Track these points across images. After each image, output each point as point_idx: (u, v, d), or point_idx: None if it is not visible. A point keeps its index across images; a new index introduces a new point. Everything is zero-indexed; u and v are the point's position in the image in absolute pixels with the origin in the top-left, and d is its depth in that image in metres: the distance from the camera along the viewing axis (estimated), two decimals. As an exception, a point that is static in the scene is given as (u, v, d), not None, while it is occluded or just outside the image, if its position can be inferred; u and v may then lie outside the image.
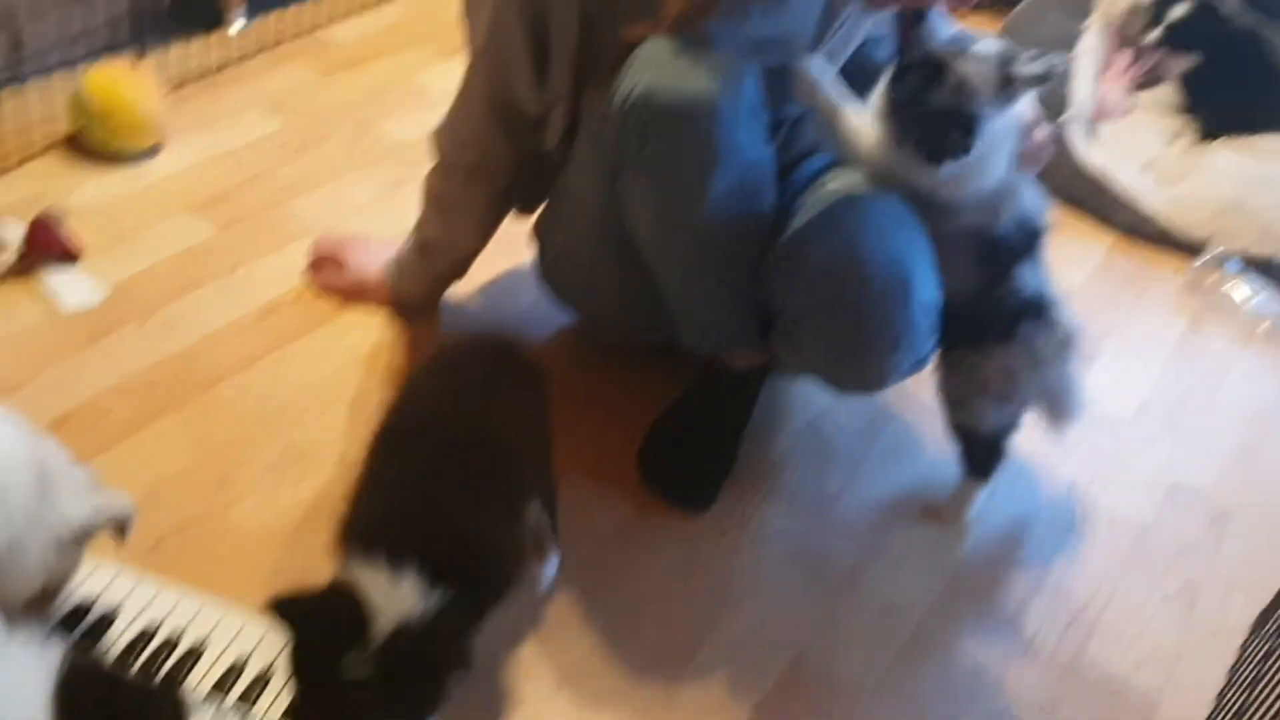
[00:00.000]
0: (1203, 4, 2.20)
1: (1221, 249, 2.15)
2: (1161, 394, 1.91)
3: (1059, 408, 1.53)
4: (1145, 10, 2.30)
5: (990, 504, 1.63)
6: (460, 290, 1.82)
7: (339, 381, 1.67)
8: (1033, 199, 1.43)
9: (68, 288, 1.73)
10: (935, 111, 1.31)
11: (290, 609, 1.07)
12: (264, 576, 1.37)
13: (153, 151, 2.04)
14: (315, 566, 1.13)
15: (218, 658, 1.23)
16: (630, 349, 1.76)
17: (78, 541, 1.14)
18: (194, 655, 1.23)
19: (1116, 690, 1.44)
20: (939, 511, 1.62)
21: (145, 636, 1.24)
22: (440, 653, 1.08)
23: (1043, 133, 1.45)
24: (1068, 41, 2.45)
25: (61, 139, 2.01)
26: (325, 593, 1.10)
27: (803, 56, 1.43)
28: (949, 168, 1.32)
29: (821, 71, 1.42)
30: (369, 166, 2.10)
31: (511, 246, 1.76)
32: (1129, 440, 1.81)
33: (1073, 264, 2.16)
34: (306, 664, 1.07)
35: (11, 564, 1.07)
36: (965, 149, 1.31)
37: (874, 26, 1.57)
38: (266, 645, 1.24)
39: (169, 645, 1.23)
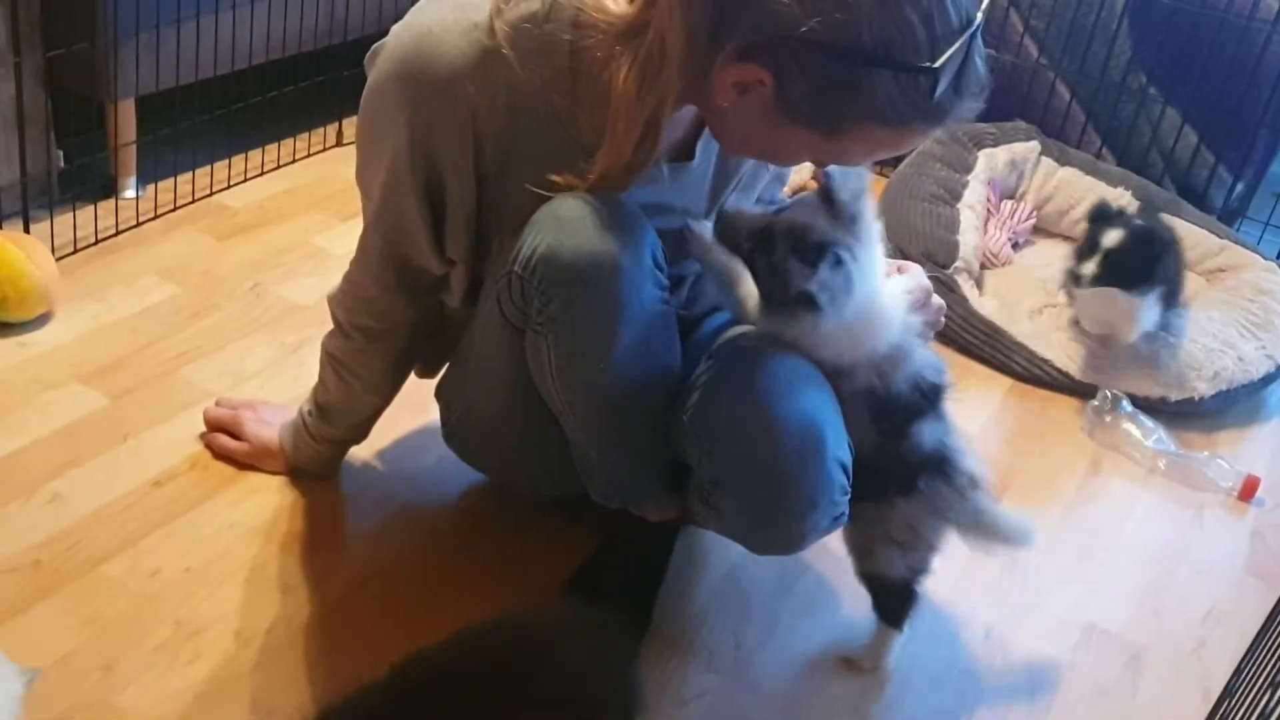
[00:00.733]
0: (1137, 230, 2.26)
1: (1114, 391, 2.20)
2: (1068, 535, 1.93)
3: (994, 537, 1.52)
4: (1080, 239, 2.35)
5: (908, 652, 1.62)
6: (363, 451, 1.78)
7: (234, 553, 1.60)
8: (926, 358, 1.45)
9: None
10: (780, 264, 1.33)
11: None
12: (154, 766, 1.29)
13: (41, 321, 1.98)
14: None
15: None
16: (543, 504, 1.72)
17: None
18: None
19: (1048, 843, 1.41)
20: (856, 662, 1.59)
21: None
22: None
23: (937, 300, 1.49)
24: (953, 194, 2.54)
25: (-55, 310, 1.95)
26: None
27: (695, 220, 1.46)
28: (823, 316, 1.33)
29: (710, 234, 1.45)
30: (266, 330, 2.06)
31: (415, 404, 1.74)
32: (1040, 583, 1.81)
33: (971, 410, 2.20)
34: None
35: None
36: (814, 297, 1.32)
37: (771, 181, 1.62)
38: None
39: None
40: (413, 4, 1.34)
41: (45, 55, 2.12)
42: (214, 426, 1.78)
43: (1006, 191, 2.75)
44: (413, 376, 1.68)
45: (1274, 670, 1.26)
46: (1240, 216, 2.84)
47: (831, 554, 1.69)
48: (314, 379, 1.65)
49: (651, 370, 1.40)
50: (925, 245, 2.42)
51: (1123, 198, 2.68)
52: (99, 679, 1.40)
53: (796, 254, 1.32)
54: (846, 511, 1.42)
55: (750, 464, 1.36)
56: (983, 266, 2.55)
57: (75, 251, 2.19)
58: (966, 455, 1.48)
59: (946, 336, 2.32)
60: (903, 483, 1.46)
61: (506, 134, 1.33)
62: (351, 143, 2.67)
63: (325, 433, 1.67)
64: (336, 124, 2.75)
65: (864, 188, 1.37)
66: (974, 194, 2.57)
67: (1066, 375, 2.28)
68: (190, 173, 2.44)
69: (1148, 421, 2.17)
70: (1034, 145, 2.78)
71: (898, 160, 2.76)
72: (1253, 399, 2.34)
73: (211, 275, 2.20)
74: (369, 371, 1.59)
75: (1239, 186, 2.82)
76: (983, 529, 1.50)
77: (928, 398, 1.44)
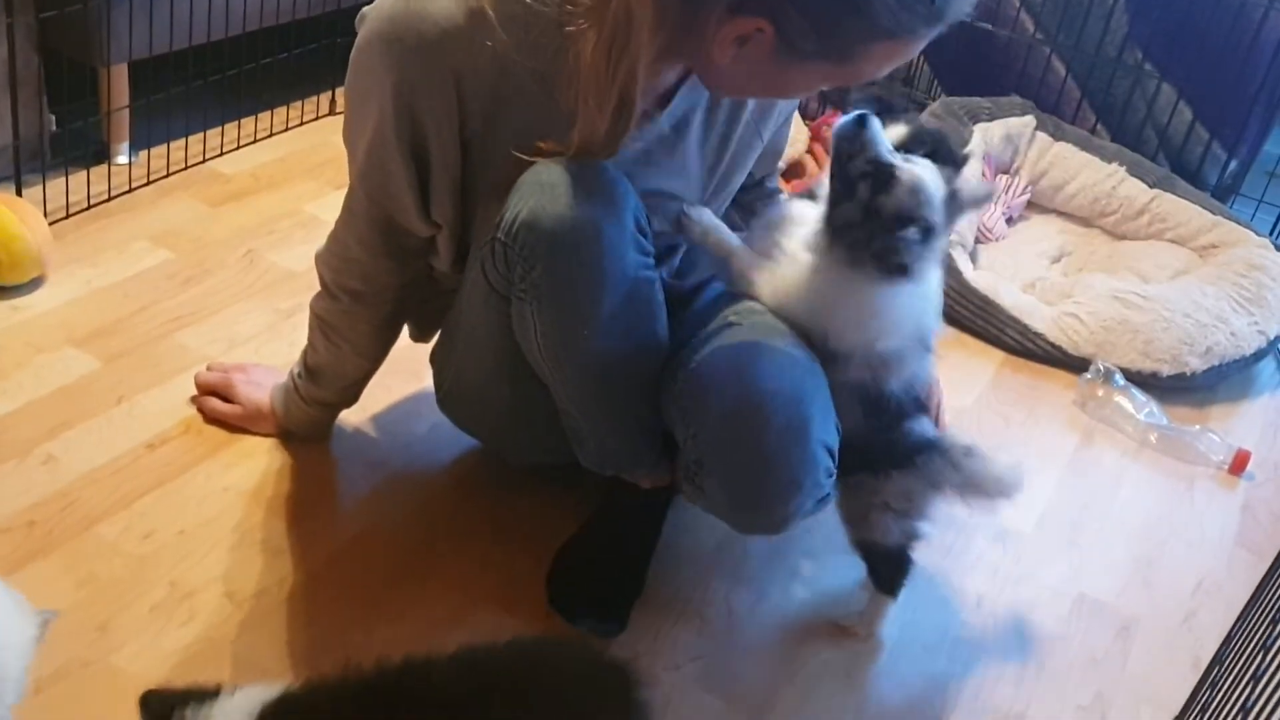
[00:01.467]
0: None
1: (1107, 364, 2.21)
2: (1060, 507, 1.94)
3: (991, 493, 1.52)
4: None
5: (901, 620, 1.62)
6: (357, 416, 1.78)
7: (228, 516, 1.60)
8: (925, 371, 1.46)
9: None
10: (889, 218, 1.32)
11: None
12: (149, 724, 1.29)
13: (34, 285, 1.97)
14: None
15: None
16: (535, 472, 1.72)
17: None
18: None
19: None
20: (850, 628, 1.60)
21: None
22: None
23: (939, 392, 1.54)
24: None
25: (-62, 273, 1.94)
26: None
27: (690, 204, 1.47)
28: (900, 281, 1.33)
29: (709, 218, 1.47)
30: (258, 297, 2.06)
31: (408, 370, 1.74)
32: (1032, 553, 1.82)
33: (964, 383, 2.20)
34: None
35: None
36: (913, 260, 1.32)
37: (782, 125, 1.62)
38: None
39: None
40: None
41: (38, 17, 2.10)
42: (205, 390, 1.77)
43: (1001, 166, 2.75)
44: (406, 341, 1.67)
45: (1266, 634, 1.27)
46: (1234, 194, 2.84)
47: (824, 522, 1.68)
48: (305, 345, 1.64)
49: (637, 336, 1.40)
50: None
51: (1115, 174, 2.68)
52: (94, 639, 1.40)
53: (901, 214, 1.32)
54: (832, 493, 1.42)
55: (734, 447, 1.36)
56: (977, 241, 2.55)
57: (68, 216, 2.17)
58: (957, 439, 1.50)
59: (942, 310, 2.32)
60: (900, 460, 1.47)
61: (492, 98, 1.32)
62: (344, 111, 2.66)
63: (315, 395, 1.67)
64: (330, 91, 2.74)
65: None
66: (969, 168, 2.56)
67: (1059, 349, 2.28)
68: (183, 139, 2.43)
69: (1140, 395, 2.18)
70: (1029, 120, 2.77)
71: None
72: (1244, 374, 2.35)
73: (204, 241, 2.19)
74: (356, 334, 1.58)
75: (1233, 164, 2.81)
76: (977, 488, 1.51)
77: (921, 406, 1.46)
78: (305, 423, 1.72)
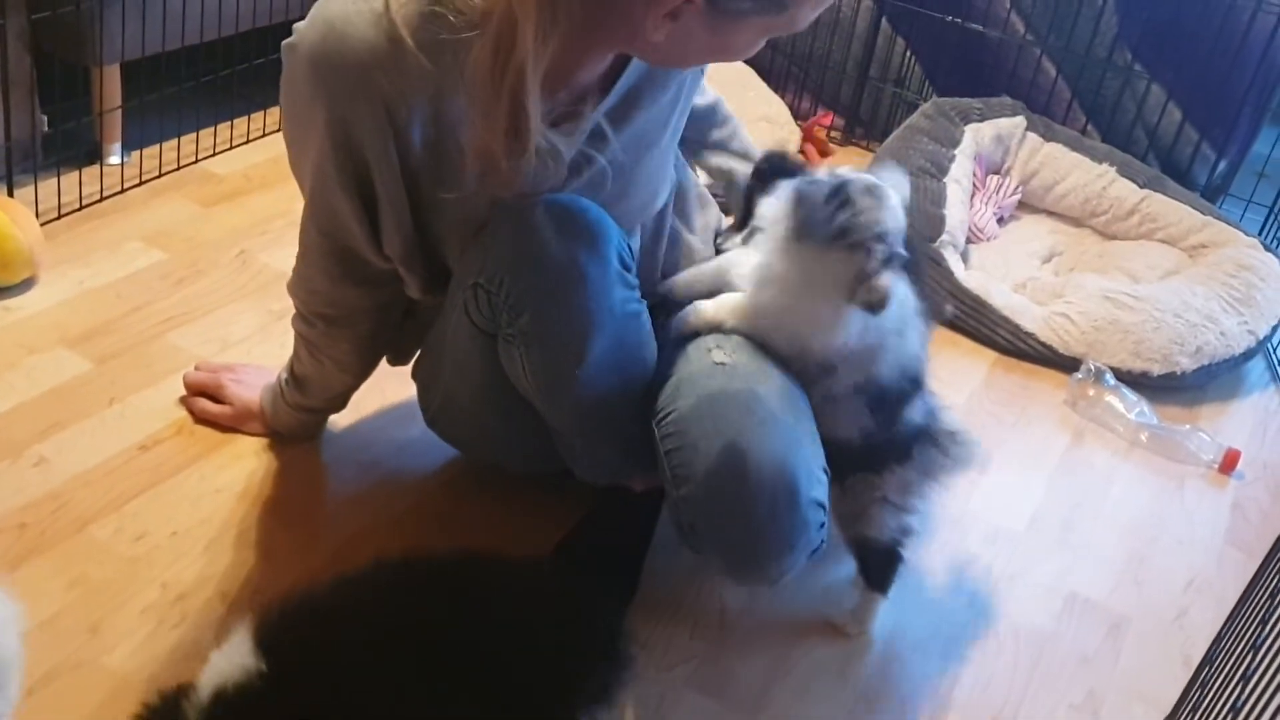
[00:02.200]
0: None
1: (1097, 364, 2.21)
2: (1051, 506, 1.94)
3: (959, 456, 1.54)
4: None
5: (893, 620, 1.63)
6: (349, 418, 1.78)
7: (219, 517, 1.60)
8: (908, 349, 1.45)
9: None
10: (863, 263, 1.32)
11: None
12: (142, 726, 1.29)
13: (26, 285, 1.97)
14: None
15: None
16: (529, 475, 1.73)
17: None
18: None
19: (1030, 806, 1.43)
20: (841, 626, 1.61)
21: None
22: None
23: None
24: (939, 168, 2.54)
25: (-72, 274, 1.94)
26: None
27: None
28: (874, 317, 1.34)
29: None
30: (252, 297, 2.06)
31: (400, 374, 1.73)
32: (1024, 552, 1.82)
33: (956, 383, 2.21)
34: None
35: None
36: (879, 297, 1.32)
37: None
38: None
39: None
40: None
41: (30, 18, 2.10)
42: (195, 390, 1.77)
43: (992, 166, 2.76)
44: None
45: (1255, 634, 1.28)
46: (1223, 194, 2.85)
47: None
48: (292, 353, 1.64)
49: (627, 368, 1.40)
50: (911, 219, 2.42)
51: (1105, 175, 2.69)
52: (86, 640, 1.40)
53: (881, 257, 1.32)
54: (825, 540, 1.42)
55: (725, 519, 1.36)
56: (968, 241, 2.56)
57: (59, 217, 2.17)
58: (944, 412, 1.52)
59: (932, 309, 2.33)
60: (900, 454, 1.49)
61: (434, 124, 1.28)
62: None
63: (301, 402, 1.67)
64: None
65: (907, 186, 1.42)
66: (960, 169, 2.58)
67: (1050, 348, 2.29)
68: (175, 139, 2.43)
69: (1130, 395, 2.18)
70: (1020, 121, 2.78)
71: (884, 134, 2.76)
72: (1234, 373, 2.36)
73: (197, 241, 2.19)
74: (338, 352, 1.58)
75: (1222, 164, 2.83)
76: (959, 470, 1.53)
77: (915, 382, 1.47)
78: (293, 426, 1.72)
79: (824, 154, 3.02)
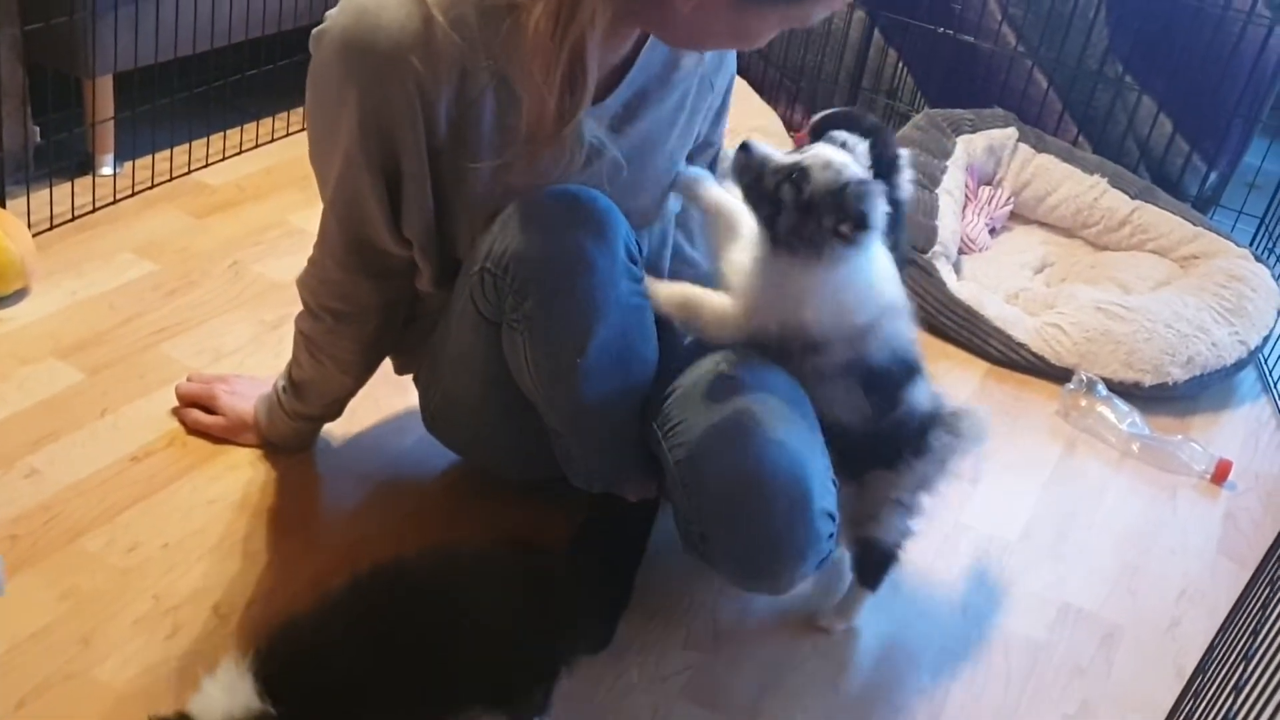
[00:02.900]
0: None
1: (1089, 375, 2.22)
2: (1044, 517, 1.95)
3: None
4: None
5: (887, 630, 1.63)
6: (344, 429, 1.78)
7: (213, 529, 1.60)
8: (899, 330, 1.46)
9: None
10: (825, 198, 1.33)
11: None
12: (134, 738, 1.28)
13: (18, 296, 1.97)
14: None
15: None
16: (523, 485, 1.72)
17: None
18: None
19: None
20: (825, 625, 1.62)
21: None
22: None
23: None
24: (931, 179, 2.55)
25: (-79, 285, 1.94)
26: None
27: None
28: (854, 248, 1.35)
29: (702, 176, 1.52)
30: (245, 308, 2.05)
31: (396, 383, 1.73)
32: (1017, 563, 1.83)
33: (949, 393, 2.19)
34: None
35: None
36: (870, 209, 1.33)
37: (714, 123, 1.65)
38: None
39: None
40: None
41: (22, 29, 2.10)
42: (187, 401, 1.77)
43: (984, 177, 2.76)
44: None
45: (1247, 644, 1.28)
46: (1214, 205, 2.85)
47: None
48: (290, 359, 1.64)
49: (628, 364, 1.40)
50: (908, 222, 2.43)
51: (1097, 186, 2.70)
52: (77, 652, 1.39)
53: (835, 185, 1.33)
54: (834, 552, 1.43)
55: (739, 529, 1.38)
56: (960, 252, 2.56)
57: (52, 228, 2.17)
58: (947, 399, 1.53)
59: (925, 321, 2.33)
60: (917, 444, 1.49)
61: (457, 103, 1.32)
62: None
63: (299, 409, 1.67)
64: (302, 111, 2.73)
65: (865, 151, 1.41)
66: (952, 179, 2.58)
67: (1042, 359, 2.30)
68: (168, 150, 2.42)
69: (1122, 405, 2.19)
70: (1011, 132, 2.79)
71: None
72: (1225, 384, 2.37)
73: (190, 252, 2.19)
74: (340, 351, 1.58)
75: (1213, 175, 2.83)
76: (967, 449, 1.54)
77: (910, 366, 1.47)
78: (288, 435, 1.71)
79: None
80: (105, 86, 2.29)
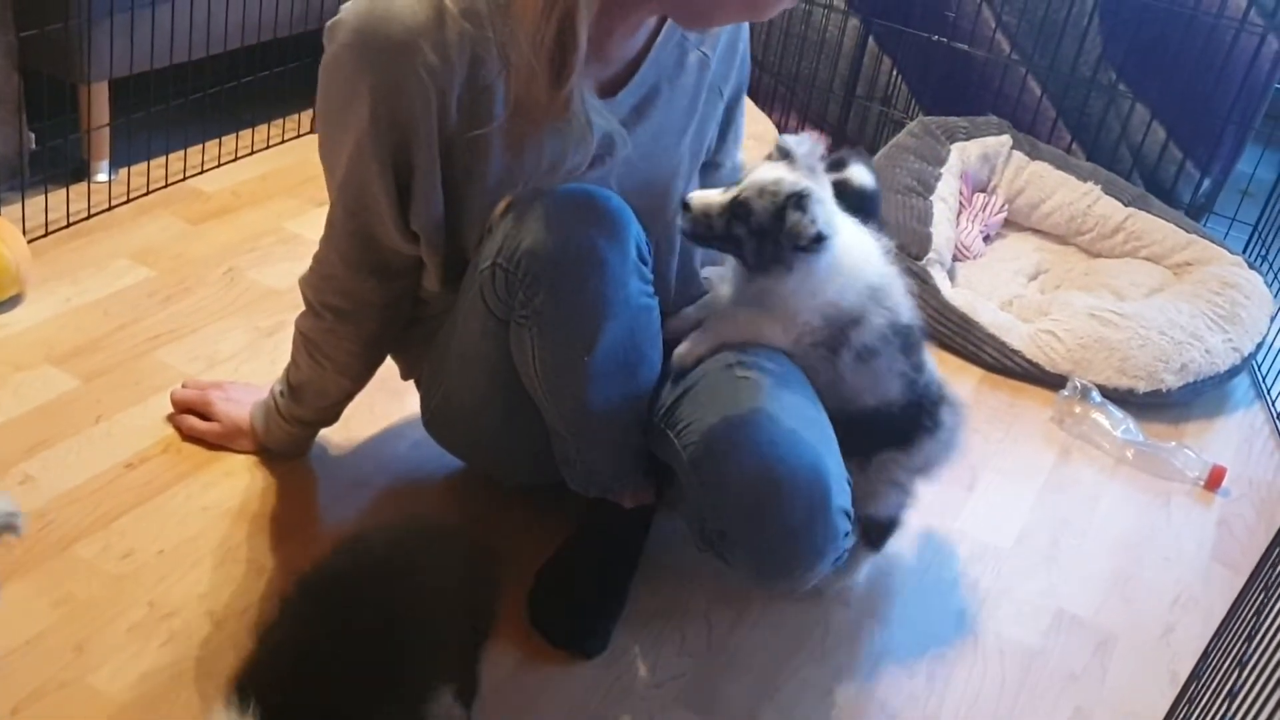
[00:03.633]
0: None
1: (1083, 381, 2.22)
2: (1038, 524, 1.95)
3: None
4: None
5: (881, 637, 1.63)
6: (340, 435, 1.78)
7: (207, 536, 1.60)
8: (906, 294, 1.51)
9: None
10: (769, 222, 1.38)
11: None
12: (128, 745, 1.28)
13: (12, 302, 1.97)
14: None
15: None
16: (519, 491, 1.72)
17: None
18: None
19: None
20: (825, 584, 1.64)
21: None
22: None
23: None
24: (926, 186, 2.55)
25: (-86, 291, 1.94)
26: None
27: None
28: (819, 254, 1.38)
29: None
30: (239, 314, 2.05)
31: (392, 389, 1.73)
32: (1011, 570, 1.83)
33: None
34: None
35: None
36: (814, 222, 1.36)
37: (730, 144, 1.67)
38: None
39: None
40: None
41: (18, 36, 2.10)
42: (182, 408, 1.77)
43: (978, 185, 2.77)
44: (389, 360, 1.67)
45: (1241, 650, 1.28)
46: (1207, 212, 2.86)
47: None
48: (288, 362, 1.64)
49: (634, 364, 1.40)
50: (898, 237, 2.43)
51: (1090, 193, 2.71)
52: (71, 659, 1.39)
53: (774, 209, 1.37)
54: (848, 549, 1.44)
55: (758, 527, 1.37)
56: (955, 259, 2.57)
57: (47, 234, 2.17)
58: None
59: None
60: (932, 421, 1.53)
61: (468, 88, 1.32)
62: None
63: (296, 413, 1.67)
64: (310, 110, 2.74)
65: (817, 148, 1.43)
66: (946, 187, 2.59)
67: (1036, 366, 2.30)
68: (163, 157, 2.43)
69: (1116, 412, 2.19)
70: (1005, 139, 2.80)
71: (871, 152, 2.78)
72: (1219, 390, 2.38)
73: (184, 259, 2.19)
74: (340, 352, 1.58)
75: (1206, 183, 2.84)
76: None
77: (922, 327, 1.51)
78: (285, 440, 1.71)
79: (811, 172, 3.03)
80: (100, 93, 2.29)
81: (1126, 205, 2.68)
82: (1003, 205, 2.75)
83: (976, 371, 2.33)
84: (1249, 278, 2.46)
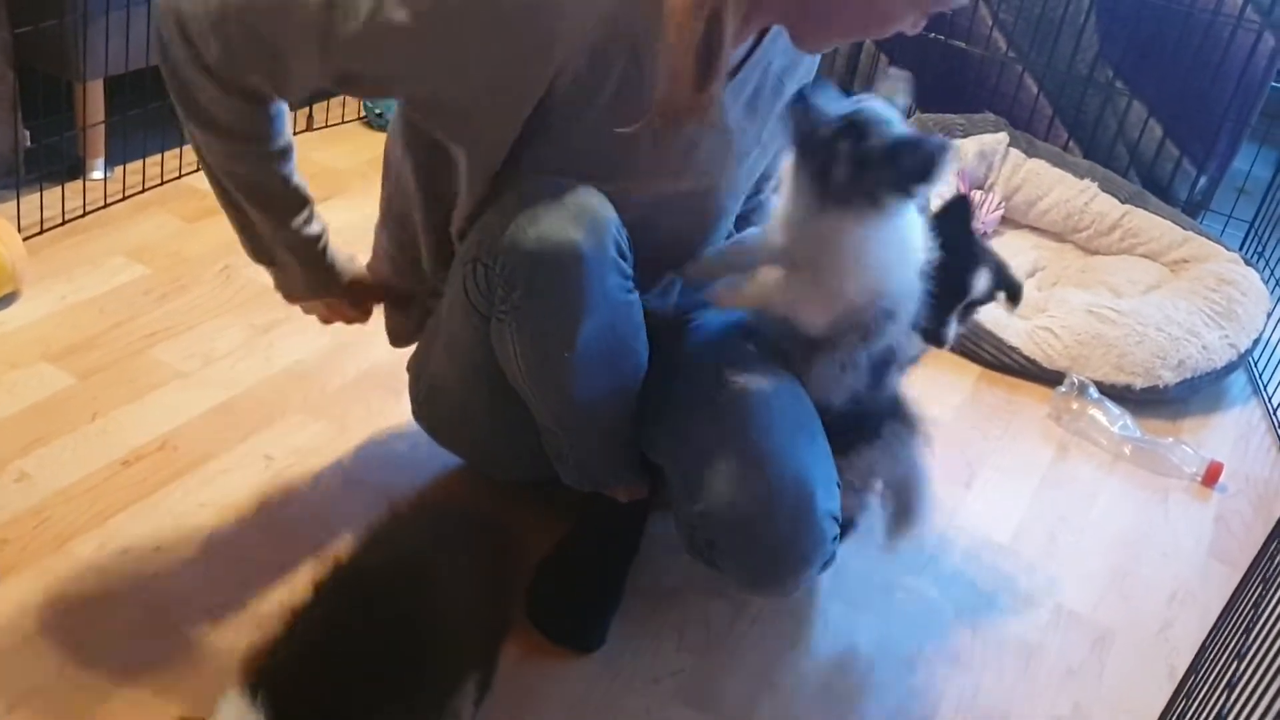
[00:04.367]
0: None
1: (1081, 378, 2.22)
2: (1036, 519, 1.95)
3: (908, 499, 1.59)
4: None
5: (879, 634, 1.63)
6: (336, 434, 1.78)
7: (204, 533, 1.59)
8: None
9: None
10: (883, 151, 1.32)
11: None
12: (125, 742, 1.28)
13: (8, 300, 1.96)
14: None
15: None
16: (514, 487, 1.72)
17: None
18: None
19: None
20: None
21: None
22: None
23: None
24: (923, 184, 2.55)
25: (-90, 288, 1.93)
26: None
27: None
28: (928, 188, 1.34)
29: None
30: (236, 312, 2.05)
31: (389, 388, 1.73)
32: (1009, 566, 1.83)
33: (941, 397, 2.21)
34: None
35: None
36: (926, 167, 1.31)
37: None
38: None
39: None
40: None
41: (12, 32, 2.09)
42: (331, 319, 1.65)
43: (975, 182, 2.77)
44: (387, 358, 1.66)
45: (1239, 643, 1.28)
46: (1204, 210, 2.87)
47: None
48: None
49: (617, 359, 1.40)
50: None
51: (1087, 190, 2.71)
52: (67, 657, 1.38)
53: (892, 141, 1.32)
54: (836, 552, 1.44)
55: (746, 536, 1.38)
56: (952, 256, 2.56)
57: (42, 232, 2.16)
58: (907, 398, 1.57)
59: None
60: (873, 430, 1.52)
61: (590, 58, 1.26)
62: (321, 126, 2.66)
63: (298, 237, 1.50)
64: (307, 108, 2.73)
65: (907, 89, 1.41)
66: (944, 184, 2.59)
67: (1034, 363, 2.30)
68: (159, 154, 2.42)
69: (1114, 408, 2.19)
70: (1002, 137, 2.80)
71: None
72: (1216, 386, 2.38)
73: (181, 257, 2.18)
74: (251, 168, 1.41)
75: (1202, 180, 2.84)
76: (904, 483, 1.58)
77: (894, 350, 1.48)
78: (308, 280, 1.56)
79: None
80: (96, 90, 2.29)
81: (1123, 202, 2.68)
82: (1000, 203, 2.75)
83: (974, 368, 2.33)
84: (1246, 274, 2.46)
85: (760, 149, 1.50)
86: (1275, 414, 2.35)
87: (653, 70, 1.26)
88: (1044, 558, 1.86)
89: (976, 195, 2.74)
